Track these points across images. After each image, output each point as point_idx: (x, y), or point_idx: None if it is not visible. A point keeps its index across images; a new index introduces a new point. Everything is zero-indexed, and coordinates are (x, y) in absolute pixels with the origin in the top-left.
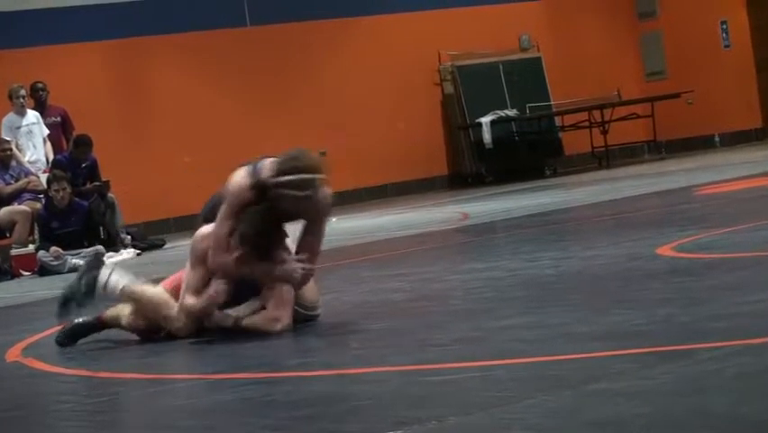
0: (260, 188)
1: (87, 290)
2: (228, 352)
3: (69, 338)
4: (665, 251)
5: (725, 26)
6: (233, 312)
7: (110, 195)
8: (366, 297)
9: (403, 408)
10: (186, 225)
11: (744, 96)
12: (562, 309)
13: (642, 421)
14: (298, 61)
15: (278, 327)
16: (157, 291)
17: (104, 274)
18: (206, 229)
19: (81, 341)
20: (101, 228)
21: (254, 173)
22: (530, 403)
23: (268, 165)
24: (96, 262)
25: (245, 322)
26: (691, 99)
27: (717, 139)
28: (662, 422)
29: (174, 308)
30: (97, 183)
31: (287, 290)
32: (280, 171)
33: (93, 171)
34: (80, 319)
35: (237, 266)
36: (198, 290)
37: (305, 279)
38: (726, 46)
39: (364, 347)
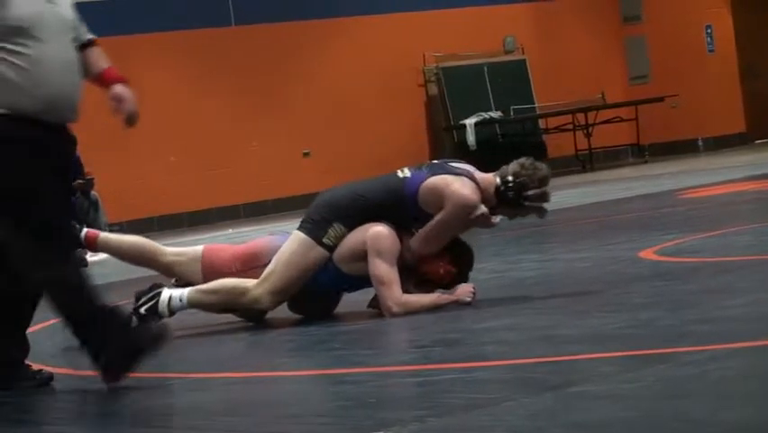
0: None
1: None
2: (210, 351)
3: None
4: (648, 254)
5: (709, 31)
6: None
7: (93, 193)
8: (348, 297)
9: (384, 409)
10: (169, 223)
11: (727, 100)
12: (544, 312)
13: (623, 425)
14: (283, 62)
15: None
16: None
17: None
18: (383, 229)
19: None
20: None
21: (477, 188)
22: (511, 405)
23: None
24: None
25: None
26: (676, 103)
27: (700, 143)
28: (643, 426)
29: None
30: (81, 181)
31: None
32: (530, 184)
33: (77, 169)
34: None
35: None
36: (399, 284)
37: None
38: (711, 51)
39: (346, 348)
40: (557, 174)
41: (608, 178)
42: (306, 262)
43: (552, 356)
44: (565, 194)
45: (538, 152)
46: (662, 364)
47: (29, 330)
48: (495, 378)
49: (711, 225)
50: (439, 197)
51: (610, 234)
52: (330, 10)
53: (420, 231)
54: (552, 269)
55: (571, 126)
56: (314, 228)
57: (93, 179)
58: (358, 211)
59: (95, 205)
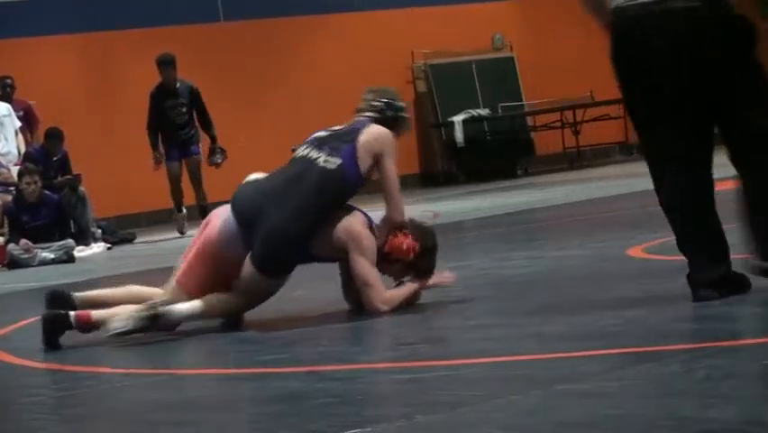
0: None
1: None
2: (198, 348)
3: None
4: (636, 252)
5: None
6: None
7: (81, 188)
8: (337, 294)
9: (371, 406)
10: (156, 219)
11: None
12: (532, 309)
13: (610, 422)
14: (271, 58)
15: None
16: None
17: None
18: (363, 228)
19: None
20: (71, 222)
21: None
22: (498, 403)
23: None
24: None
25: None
26: None
27: None
28: (630, 424)
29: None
30: (69, 177)
31: None
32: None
33: (64, 165)
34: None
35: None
36: (382, 282)
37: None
38: None
39: (334, 345)
40: (545, 171)
41: (597, 175)
42: (260, 292)
43: (539, 354)
44: (553, 191)
45: (526, 149)
46: (649, 363)
47: (13, 327)
48: (482, 375)
49: None
50: (376, 151)
51: (598, 231)
52: (318, 6)
53: (388, 206)
54: (539, 266)
55: (559, 124)
56: (274, 271)
57: (80, 174)
58: (312, 230)
59: (82, 201)
